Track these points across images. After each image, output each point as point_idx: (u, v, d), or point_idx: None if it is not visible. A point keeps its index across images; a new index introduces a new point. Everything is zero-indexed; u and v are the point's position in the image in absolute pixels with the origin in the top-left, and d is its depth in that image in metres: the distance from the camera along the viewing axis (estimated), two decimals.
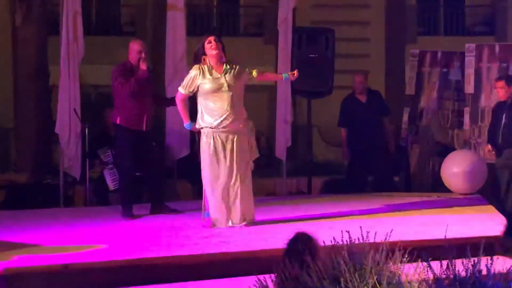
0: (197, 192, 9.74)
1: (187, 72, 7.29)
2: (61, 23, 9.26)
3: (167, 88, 9.67)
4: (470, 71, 10.28)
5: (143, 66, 7.77)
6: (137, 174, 8.26)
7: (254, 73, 7.16)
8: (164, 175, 9.11)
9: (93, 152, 9.36)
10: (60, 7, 9.39)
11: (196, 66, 7.03)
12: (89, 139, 9.19)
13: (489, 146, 8.92)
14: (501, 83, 8.88)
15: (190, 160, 9.84)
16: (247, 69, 7.15)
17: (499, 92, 8.92)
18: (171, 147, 9.76)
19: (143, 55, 7.82)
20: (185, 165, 9.91)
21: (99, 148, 9.44)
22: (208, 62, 7.00)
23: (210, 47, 6.98)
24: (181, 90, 7.13)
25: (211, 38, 6.98)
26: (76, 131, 9.22)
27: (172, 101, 7.73)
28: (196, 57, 7.06)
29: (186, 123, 7.22)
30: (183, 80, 7.24)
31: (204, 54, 7.00)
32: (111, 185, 9.26)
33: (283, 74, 7.63)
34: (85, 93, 11.62)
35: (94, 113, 10.87)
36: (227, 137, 6.97)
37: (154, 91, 8.17)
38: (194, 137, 8.08)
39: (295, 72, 7.34)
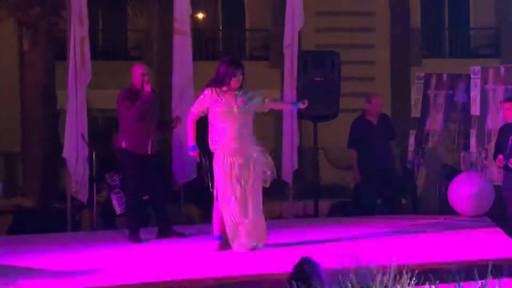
0: (204, 215, 9.77)
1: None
2: (68, 48, 9.32)
3: (174, 112, 9.70)
4: (475, 93, 10.29)
5: (147, 88, 7.81)
6: (144, 198, 8.27)
7: (266, 102, 7.19)
8: (170, 199, 9.12)
9: (100, 176, 9.38)
10: (67, 32, 9.45)
11: (209, 88, 7.05)
12: (96, 163, 9.22)
13: (500, 156, 8.79)
14: (509, 105, 8.86)
15: (197, 184, 9.85)
16: (260, 97, 7.17)
17: (507, 114, 8.89)
18: (177, 171, 9.77)
19: (146, 77, 7.86)
20: (192, 189, 9.91)
21: (106, 172, 9.46)
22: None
23: (237, 80, 7.01)
24: (193, 110, 7.16)
25: (240, 74, 6.97)
26: (84, 155, 9.24)
27: (168, 124, 7.75)
28: (216, 83, 7.02)
29: (191, 144, 7.21)
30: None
31: (229, 84, 7.00)
32: (118, 209, 9.27)
33: (292, 104, 7.65)
34: (92, 118, 11.68)
35: (101, 137, 10.92)
36: (238, 160, 6.98)
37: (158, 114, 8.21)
38: (201, 161, 8.09)
39: (305, 101, 7.36)
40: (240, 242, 7.01)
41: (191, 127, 7.18)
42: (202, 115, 7.15)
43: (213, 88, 7.03)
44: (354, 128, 10.25)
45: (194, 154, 7.26)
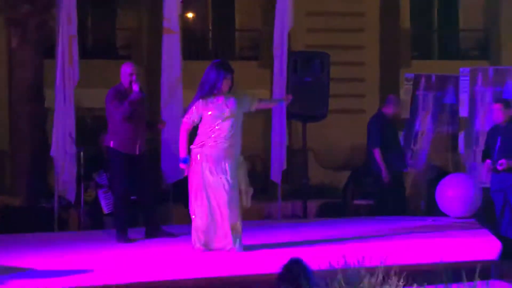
0: None
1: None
2: (57, 46, 9.28)
3: (163, 111, 9.69)
4: (464, 95, 10.34)
5: (135, 87, 7.78)
6: (132, 197, 8.23)
7: (255, 102, 7.15)
8: (159, 198, 9.09)
9: (88, 175, 9.34)
10: (56, 31, 9.41)
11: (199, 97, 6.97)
12: (84, 162, 9.18)
13: (488, 161, 8.84)
14: (499, 106, 8.91)
15: (186, 183, 9.82)
16: (249, 97, 7.13)
17: (496, 114, 8.92)
18: (166, 170, 9.75)
19: (134, 77, 7.83)
20: (181, 189, 9.88)
21: (94, 171, 9.43)
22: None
23: (227, 84, 6.97)
24: (185, 120, 7.04)
25: (229, 78, 6.94)
26: (71, 154, 9.21)
27: (153, 126, 7.87)
28: (208, 89, 6.92)
29: (182, 156, 7.03)
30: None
31: (219, 88, 6.97)
32: (105, 209, 9.24)
33: (278, 102, 7.61)
34: (80, 116, 11.62)
35: (90, 136, 10.88)
36: (221, 162, 6.94)
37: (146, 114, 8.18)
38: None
39: (289, 96, 7.35)
40: (217, 241, 6.96)
41: (184, 138, 7.02)
42: (195, 124, 7.07)
43: (199, 94, 6.96)
44: (376, 126, 9.97)
45: (184, 166, 7.10)
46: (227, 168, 6.91)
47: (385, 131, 9.86)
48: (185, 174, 7.11)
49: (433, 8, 17.48)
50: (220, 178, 6.89)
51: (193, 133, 7.13)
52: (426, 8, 17.45)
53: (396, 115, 10.10)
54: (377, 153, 9.73)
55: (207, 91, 6.91)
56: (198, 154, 6.95)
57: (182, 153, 7.03)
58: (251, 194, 7.06)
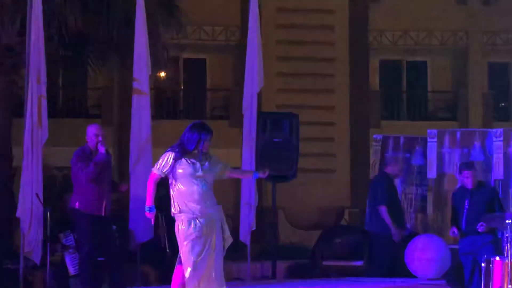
0: (160, 277, 9.62)
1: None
2: (25, 106, 9.24)
3: (132, 171, 9.63)
4: (432, 157, 10.42)
5: (101, 149, 7.76)
6: (99, 259, 8.13)
7: (227, 170, 7.14)
8: (126, 259, 8.98)
9: (55, 236, 9.22)
10: (25, 90, 9.38)
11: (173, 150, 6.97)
12: (51, 223, 9.06)
13: (454, 229, 8.87)
14: (470, 172, 8.89)
15: (154, 244, 9.73)
16: (221, 164, 7.12)
17: (467, 181, 8.90)
18: (134, 231, 9.64)
19: (100, 138, 7.80)
20: (149, 249, 9.78)
21: (61, 232, 9.31)
22: None
23: (207, 144, 6.98)
24: (155, 170, 7.01)
25: (209, 139, 6.96)
26: (38, 215, 9.07)
27: (116, 187, 7.81)
28: (188, 149, 6.91)
29: (149, 205, 6.99)
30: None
31: (198, 148, 6.95)
32: (71, 270, 9.09)
33: (252, 172, 7.59)
34: (49, 175, 11.54)
35: (58, 195, 10.78)
36: (200, 222, 6.90)
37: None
38: (157, 221, 8.00)
39: (266, 170, 7.34)
40: None
41: (151, 188, 6.98)
42: (164, 176, 7.03)
43: (177, 150, 6.96)
44: (381, 186, 9.88)
45: (150, 215, 7.08)
46: (204, 229, 6.87)
47: (389, 190, 9.84)
48: (152, 223, 7.08)
49: (402, 69, 17.78)
50: (202, 240, 6.85)
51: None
52: (395, 69, 17.74)
53: (397, 175, 10.10)
54: (384, 211, 9.64)
55: (187, 151, 6.91)
56: (181, 220, 6.91)
57: (149, 202, 6.99)
58: (230, 242, 7.03)
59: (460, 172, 9.01)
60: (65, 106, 16.33)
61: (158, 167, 6.95)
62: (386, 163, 10.24)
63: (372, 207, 9.86)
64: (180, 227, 6.89)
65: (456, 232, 8.83)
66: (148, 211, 7.03)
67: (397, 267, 10.01)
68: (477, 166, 9.34)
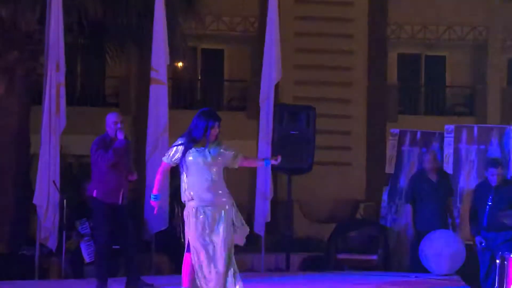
0: (175, 266, 9.67)
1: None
2: (44, 94, 9.29)
3: (148, 160, 9.67)
4: (449, 152, 10.38)
5: (120, 135, 7.80)
6: (114, 247, 8.18)
7: (238, 158, 7.12)
8: (141, 248, 9.02)
9: (71, 224, 9.28)
10: (43, 78, 9.43)
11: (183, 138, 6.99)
12: (67, 210, 9.12)
13: (481, 239, 8.77)
14: (496, 170, 8.78)
15: (168, 234, 9.77)
16: (233, 152, 7.11)
17: (492, 178, 8.79)
18: (149, 221, 9.69)
19: (119, 125, 7.84)
20: (163, 239, 9.83)
21: (77, 220, 9.37)
22: None
23: (214, 131, 6.99)
24: (164, 160, 7.06)
25: (217, 126, 6.99)
26: (55, 202, 9.15)
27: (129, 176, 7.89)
28: (196, 137, 6.92)
29: (155, 193, 7.04)
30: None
31: (206, 136, 6.99)
32: (87, 258, 9.17)
33: (264, 160, 7.55)
34: (66, 163, 11.60)
35: (75, 183, 10.82)
36: (210, 211, 6.92)
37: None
38: (173, 211, 8.03)
39: (278, 157, 7.30)
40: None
41: (160, 177, 7.05)
42: (174, 165, 7.06)
43: (186, 139, 6.98)
44: (412, 182, 9.91)
45: (155, 204, 7.08)
46: (213, 218, 6.89)
47: (423, 187, 9.71)
48: (155, 212, 7.14)
49: (420, 63, 17.69)
50: (210, 228, 6.87)
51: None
52: (413, 63, 17.66)
53: (433, 169, 9.81)
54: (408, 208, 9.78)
55: (194, 138, 6.93)
56: (191, 207, 6.93)
57: (155, 190, 7.04)
58: (247, 232, 7.04)
59: (486, 169, 8.91)
60: (83, 95, 16.39)
61: (167, 156, 7.00)
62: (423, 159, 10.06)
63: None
64: (189, 214, 6.92)
65: (484, 243, 8.70)
66: (153, 199, 7.06)
67: (412, 261, 10.01)
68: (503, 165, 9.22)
